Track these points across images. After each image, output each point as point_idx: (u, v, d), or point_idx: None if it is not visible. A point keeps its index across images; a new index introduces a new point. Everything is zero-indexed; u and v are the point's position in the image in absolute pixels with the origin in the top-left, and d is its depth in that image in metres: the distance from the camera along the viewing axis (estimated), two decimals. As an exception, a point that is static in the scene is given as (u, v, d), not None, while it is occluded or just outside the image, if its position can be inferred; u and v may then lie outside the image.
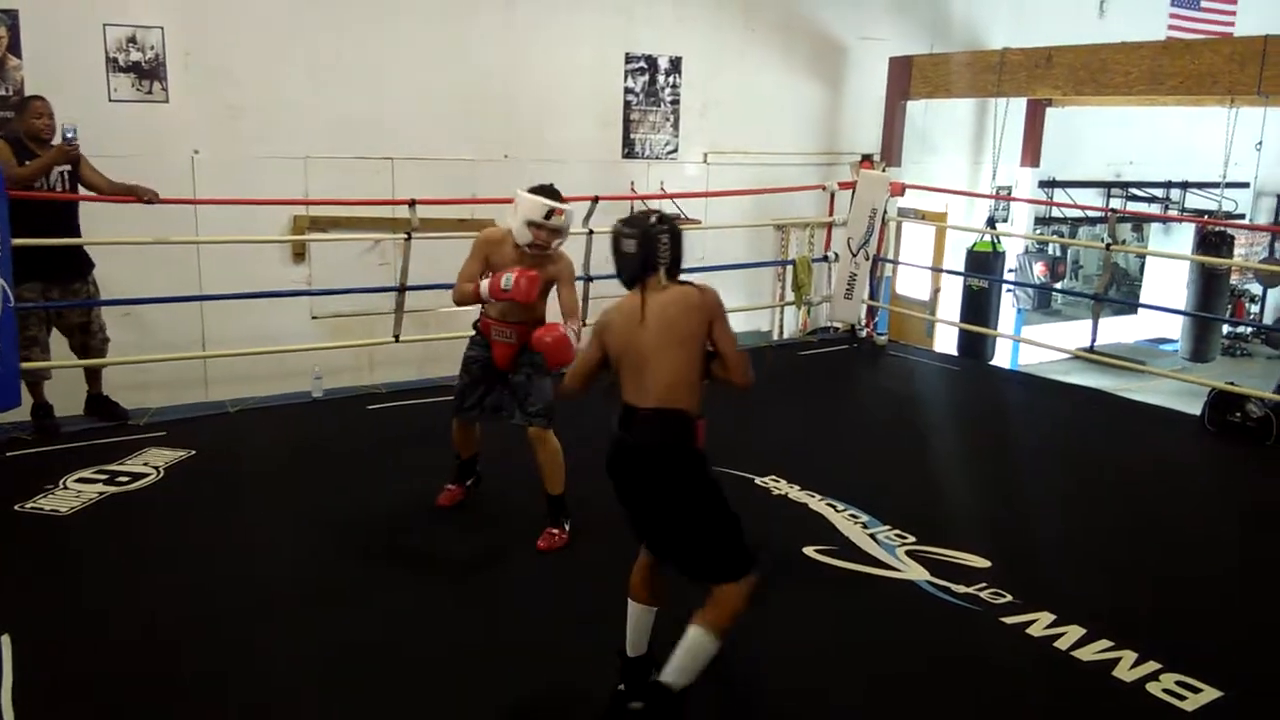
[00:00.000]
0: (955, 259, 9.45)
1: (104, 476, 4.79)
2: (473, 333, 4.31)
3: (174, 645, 3.39)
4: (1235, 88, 7.22)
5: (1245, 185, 11.38)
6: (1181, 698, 3.20)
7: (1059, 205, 11.59)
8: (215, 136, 6.74)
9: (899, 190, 8.30)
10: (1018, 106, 10.33)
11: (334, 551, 4.15)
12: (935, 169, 10.07)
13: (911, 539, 4.32)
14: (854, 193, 8.00)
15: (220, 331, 6.71)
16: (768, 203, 8.82)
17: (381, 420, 5.92)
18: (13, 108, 5.71)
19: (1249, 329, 14.20)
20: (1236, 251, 11.34)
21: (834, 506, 4.64)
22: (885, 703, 3.18)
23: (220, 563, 4.00)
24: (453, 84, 7.52)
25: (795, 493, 4.80)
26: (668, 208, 8.28)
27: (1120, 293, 13.84)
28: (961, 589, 3.89)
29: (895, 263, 9.02)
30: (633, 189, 8.26)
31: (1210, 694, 3.22)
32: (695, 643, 2.76)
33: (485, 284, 3.94)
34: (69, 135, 5.11)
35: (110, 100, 6.39)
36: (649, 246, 2.92)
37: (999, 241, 8.89)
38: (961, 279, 8.99)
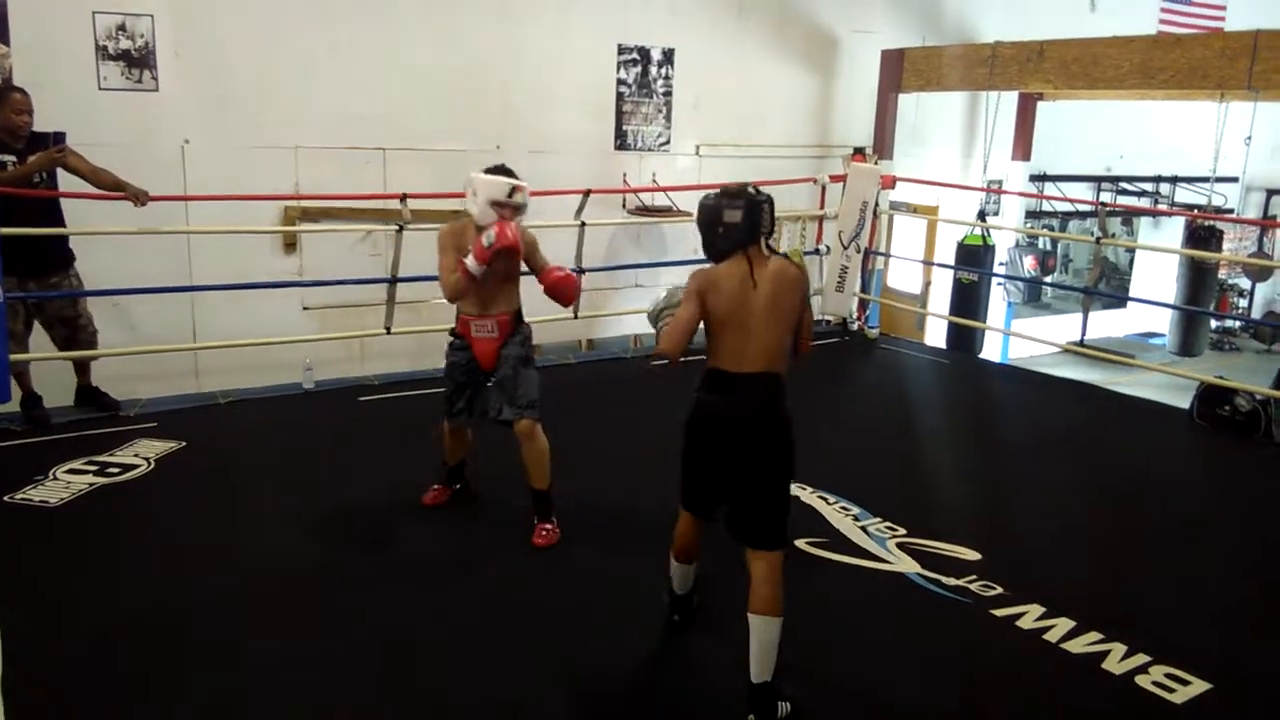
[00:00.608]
0: (946, 252, 9.46)
1: (94, 468, 4.77)
2: (451, 338, 4.25)
3: (165, 636, 3.38)
4: (1226, 82, 7.25)
5: (1234, 180, 11.43)
6: (1171, 690, 3.22)
7: (1049, 199, 11.62)
8: (205, 125, 6.69)
9: (890, 183, 8.30)
10: (1009, 100, 10.36)
11: (326, 543, 4.15)
12: (926, 162, 10.08)
13: (902, 531, 4.34)
14: (845, 186, 8.00)
15: (211, 322, 6.68)
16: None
17: (373, 412, 5.91)
18: None
19: (1236, 323, 14.28)
20: (1225, 246, 11.38)
21: (825, 499, 4.65)
22: (876, 695, 3.19)
23: (211, 554, 3.99)
24: (445, 74, 7.49)
25: (787, 485, 4.80)
26: (659, 200, 8.30)
27: (1110, 286, 13.90)
28: (952, 581, 3.91)
29: (886, 256, 9.04)
30: (625, 181, 8.25)
31: (1199, 686, 3.24)
32: (767, 632, 2.91)
33: (469, 259, 3.91)
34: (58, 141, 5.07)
35: (100, 89, 6.33)
36: (755, 215, 3.04)
37: (989, 235, 8.91)
38: (952, 272, 9.01)
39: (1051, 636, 3.53)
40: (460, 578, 3.89)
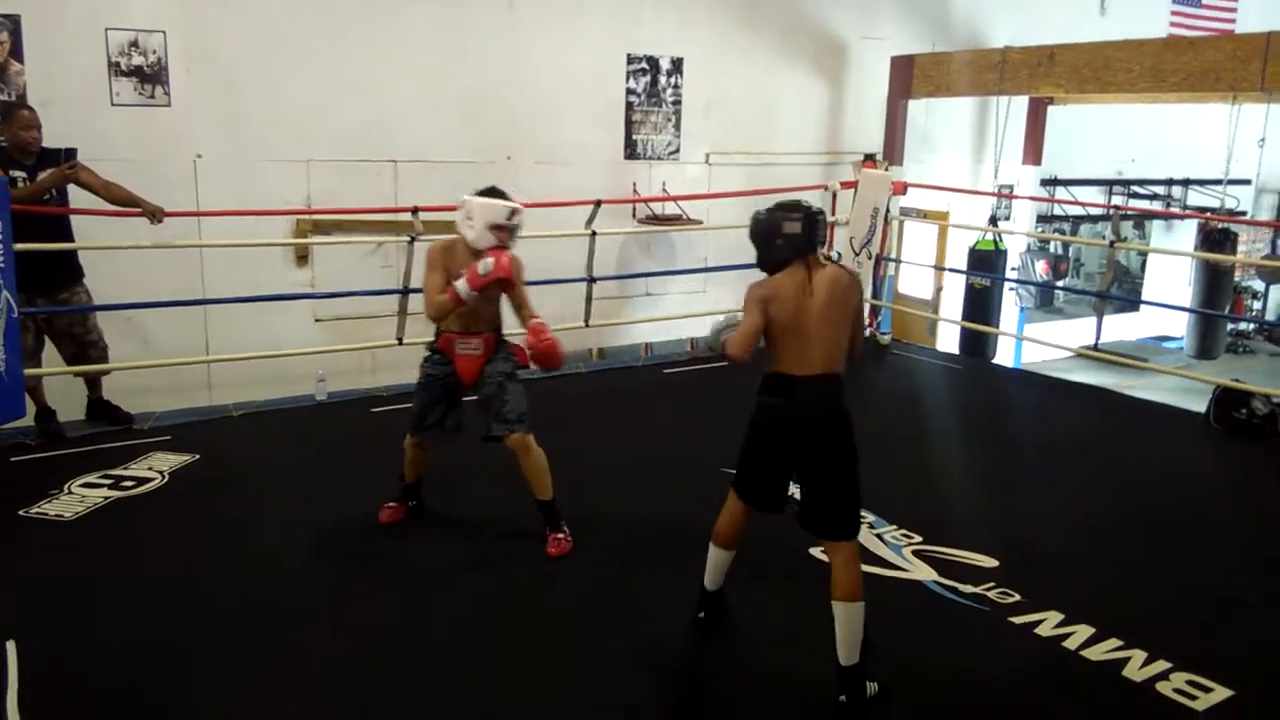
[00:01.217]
0: (957, 257, 9.43)
1: (109, 481, 4.78)
2: (429, 352, 4.21)
3: (179, 650, 3.38)
4: (1238, 84, 7.21)
5: (1247, 182, 11.36)
6: (1192, 697, 3.19)
7: (1061, 203, 11.57)
8: (217, 140, 6.73)
9: (901, 189, 8.28)
10: (1019, 105, 10.31)
11: (341, 555, 4.15)
12: (937, 168, 10.06)
13: (918, 539, 4.31)
14: (856, 192, 7.98)
15: (223, 335, 6.71)
16: (770, 203, 8.78)
17: (386, 423, 5.90)
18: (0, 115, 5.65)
19: (1251, 326, 14.18)
20: (1239, 248, 11.31)
21: (840, 507, 4.62)
22: (893, 703, 3.17)
23: (226, 567, 4.00)
24: (455, 86, 7.51)
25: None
26: (670, 209, 8.30)
27: (1123, 290, 13.82)
28: (969, 589, 3.88)
29: (898, 261, 9.01)
30: (635, 190, 8.25)
31: (1221, 693, 3.21)
32: (851, 616, 3.05)
33: (460, 284, 3.89)
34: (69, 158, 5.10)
35: (112, 105, 6.38)
36: (812, 226, 3.24)
37: (1001, 240, 8.88)
38: (964, 277, 8.98)
39: (1070, 644, 3.49)
40: (475, 588, 3.88)
